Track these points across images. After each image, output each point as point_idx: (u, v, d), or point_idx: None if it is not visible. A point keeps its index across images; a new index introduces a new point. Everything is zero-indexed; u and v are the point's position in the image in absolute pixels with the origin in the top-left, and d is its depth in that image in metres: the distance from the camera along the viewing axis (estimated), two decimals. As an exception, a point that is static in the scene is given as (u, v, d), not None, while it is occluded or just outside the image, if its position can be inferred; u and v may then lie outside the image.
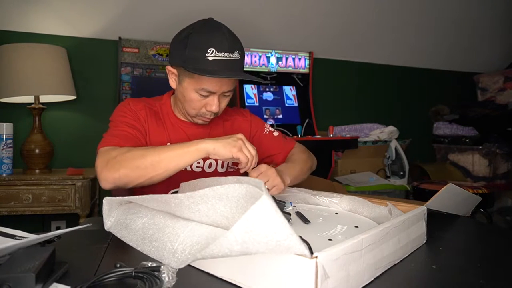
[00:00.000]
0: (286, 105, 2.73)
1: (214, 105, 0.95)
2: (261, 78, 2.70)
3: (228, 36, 0.90)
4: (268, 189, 0.85)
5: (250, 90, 2.64)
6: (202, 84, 0.91)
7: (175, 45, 0.95)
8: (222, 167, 1.07)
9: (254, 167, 0.85)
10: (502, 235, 0.90)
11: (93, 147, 2.46)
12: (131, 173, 0.82)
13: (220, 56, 0.88)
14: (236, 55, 0.91)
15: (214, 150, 0.80)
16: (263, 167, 0.87)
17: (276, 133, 1.18)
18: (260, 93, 2.68)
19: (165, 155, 0.82)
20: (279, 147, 1.16)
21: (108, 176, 0.82)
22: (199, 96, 0.94)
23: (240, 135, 0.83)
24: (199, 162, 1.04)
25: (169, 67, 0.98)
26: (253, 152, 0.83)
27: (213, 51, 0.87)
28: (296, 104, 2.75)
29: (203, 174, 1.04)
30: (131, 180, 0.83)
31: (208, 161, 1.05)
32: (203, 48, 0.88)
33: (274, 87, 2.74)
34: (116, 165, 0.82)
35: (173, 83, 1.00)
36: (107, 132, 0.96)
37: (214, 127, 1.09)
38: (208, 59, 0.87)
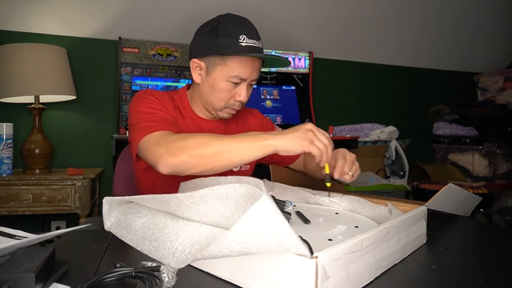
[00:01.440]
0: (286, 105, 2.73)
1: (243, 94, 0.96)
2: (262, 78, 2.70)
3: (254, 26, 0.96)
4: (352, 175, 0.84)
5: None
6: (235, 70, 0.92)
7: (203, 37, 0.95)
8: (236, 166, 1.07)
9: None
10: (502, 235, 0.90)
11: (93, 147, 2.46)
12: (192, 160, 0.78)
13: (250, 43, 0.92)
14: (260, 44, 0.95)
15: (283, 146, 0.75)
16: (346, 153, 0.85)
17: None
18: (260, 93, 2.68)
19: (229, 147, 0.77)
20: None
21: (169, 161, 0.79)
22: (230, 84, 0.94)
23: (309, 125, 0.77)
24: None
25: (195, 60, 0.97)
26: (326, 141, 0.76)
27: (244, 38, 0.91)
28: (296, 104, 2.75)
29: (218, 173, 1.03)
30: (191, 167, 0.79)
31: None
32: (236, 35, 0.91)
33: (274, 87, 2.74)
34: (178, 151, 0.79)
35: (197, 77, 0.99)
36: (140, 123, 0.91)
37: (229, 124, 1.10)
38: (241, 45, 0.90)
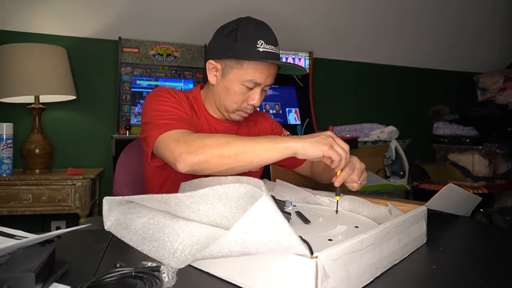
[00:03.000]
0: (286, 105, 2.73)
1: (256, 98, 0.96)
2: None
3: (272, 32, 0.96)
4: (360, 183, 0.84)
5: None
6: (250, 74, 0.92)
7: (221, 39, 0.95)
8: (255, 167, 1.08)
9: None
10: (502, 235, 0.90)
11: (93, 147, 2.46)
12: (212, 159, 0.78)
13: (268, 48, 0.92)
14: (278, 50, 0.96)
15: (303, 150, 0.75)
16: (356, 162, 0.85)
17: None
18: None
19: (251, 148, 0.77)
20: None
21: (188, 159, 0.78)
22: (244, 88, 0.95)
23: (328, 132, 0.79)
24: None
25: (211, 61, 0.97)
26: (346, 147, 0.78)
27: (262, 43, 0.91)
28: (296, 104, 2.75)
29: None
30: (211, 167, 0.79)
31: None
32: (254, 39, 0.91)
33: (274, 87, 2.74)
34: (198, 149, 0.79)
35: (213, 78, 0.99)
36: (156, 120, 0.90)
37: (240, 125, 1.10)
38: (259, 50, 0.91)
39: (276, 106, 2.70)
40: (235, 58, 0.92)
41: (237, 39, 0.92)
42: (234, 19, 0.98)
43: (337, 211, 0.83)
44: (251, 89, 0.95)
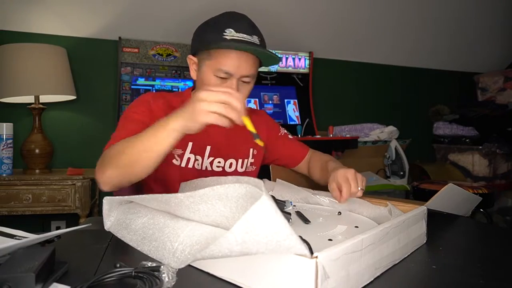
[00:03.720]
0: (286, 105, 2.73)
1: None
2: (262, 78, 2.70)
3: (248, 21, 0.93)
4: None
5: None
6: (220, 64, 0.89)
7: (197, 33, 0.96)
8: (241, 167, 1.07)
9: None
10: (502, 235, 0.90)
11: (93, 147, 2.46)
12: (115, 172, 0.78)
13: (238, 37, 0.88)
14: (255, 40, 0.90)
15: (183, 128, 0.72)
16: (347, 173, 0.83)
17: (290, 137, 1.19)
18: (260, 93, 2.68)
19: (138, 149, 0.76)
20: (295, 150, 1.17)
21: (98, 178, 0.80)
22: (218, 79, 0.91)
23: (199, 94, 0.69)
24: (219, 162, 1.03)
25: (190, 56, 0.98)
26: (226, 98, 0.68)
27: (231, 31, 0.88)
28: (296, 104, 2.75)
29: (224, 174, 1.03)
30: (120, 179, 0.79)
31: (229, 161, 1.04)
32: (222, 28, 0.89)
33: (274, 87, 2.74)
34: (103, 167, 0.80)
35: (193, 73, 0.99)
36: (116, 129, 0.93)
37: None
38: (226, 38, 0.88)
39: (275, 97, 2.69)
40: (205, 50, 0.91)
41: (207, 30, 0.92)
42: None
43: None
44: (225, 80, 0.91)
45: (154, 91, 2.37)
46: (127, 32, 2.36)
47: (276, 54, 0.96)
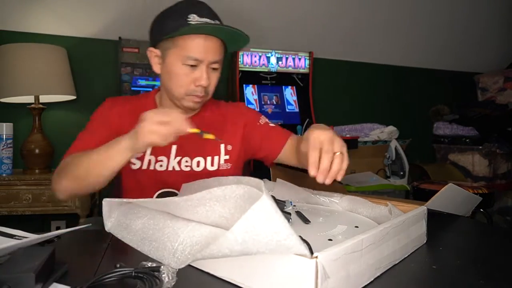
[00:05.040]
0: (286, 105, 2.73)
1: (203, 78, 0.88)
2: (261, 78, 2.70)
3: (209, 7, 0.91)
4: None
5: (250, 95, 2.63)
6: (187, 50, 0.86)
7: (156, 23, 0.93)
8: (212, 165, 1.00)
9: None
10: (502, 235, 0.90)
11: (93, 147, 2.36)
12: (71, 183, 0.83)
13: (202, 22, 0.86)
14: (217, 23, 0.89)
15: (133, 149, 0.74)
16: (320, 138, 0.64)
17: (272, 125, 1.08)
18: (260, 93, 2.68)
19: (95, 162, 0.79)
20: (277, 137, 1.03)
21: (54, 187, 0.85)
22: (186, 68, 0.88)
23: (144, 115, 0.71)
24: (187, 161, 0.98)
25: (150, 49, 0.94)
26: (165, 118, 0.70)
27: (194, 16, 0.86)
28: (296, 104, 2.75)
29: (193, 173, 0.98)
30: (76, 189, 0.84)
31: (195, 159, 0.99)
32: (184, 14, 0.86)
33: (274, 87, 2.74)
34: (60, 176, 0.84)
35: (156, 66, 0.94)
36: (76, 138, 0.97)
37: (206, 120, 1.02)
38: (190, 23, 0.85)
39: (277, 110, 2.70)
40: (168, 38, 0.88)
41: (166, 18, 0.89)
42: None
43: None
44: (194, 67, 0.88)
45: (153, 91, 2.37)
46: (127, 32, 2.36)
47: (245, 34, 0.90)
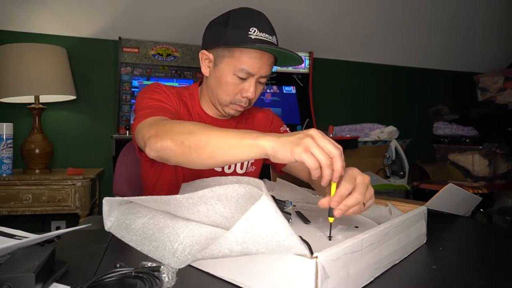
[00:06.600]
0: (286, 105, 2.73)
1: (250, 90, 0.90)
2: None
3: (268, 21, 0.92)
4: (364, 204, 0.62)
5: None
6: (242, 63, 0.88)
7: (213, 27, 0.93)
8: (241, 168, 1.04)
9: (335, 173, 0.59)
10: (502, 235, 0.90)
11: (93, 147, 2.45)
12: (174, 147, 0.70)
13: (261, 36, 0.87)
14: (274, 40, 0.90)
15: (272, 151, 0.60)
16: (356, 174, 0.63)
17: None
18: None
19: (215, 141, 0.66)
20: None
21: (154, 143, 0.73)
22: (237, 79, 0.90)
23: (312, 131, 0.59)
24: None
25: (204, 52, 0.94)
26: (333, 151, 0.57)
27: (255, 30, 0.87)
28: (296, 104, 2.75)
29: (223, 175, 0.97)
30: (174, 155, 0.71)
31: None
32: (246, 26, 0.87)
33: (274, 87, 2.74)
34: (163, 135, 0.73)
35: (206, 69, 0.96)
36: (139, 112, 0.87)
37: (238, 123, 1.06)
38: (250, 37, 0.86)
39: (277, 110, 2.70)
40: (226, 46, 0.88)
41: (228, 26, 0.88)
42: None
43: (330, 236, 0.63)
44: (244, 79, 0.90)
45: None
46: (127, 32, 2.36)
47: (300, 57, 0.93)
